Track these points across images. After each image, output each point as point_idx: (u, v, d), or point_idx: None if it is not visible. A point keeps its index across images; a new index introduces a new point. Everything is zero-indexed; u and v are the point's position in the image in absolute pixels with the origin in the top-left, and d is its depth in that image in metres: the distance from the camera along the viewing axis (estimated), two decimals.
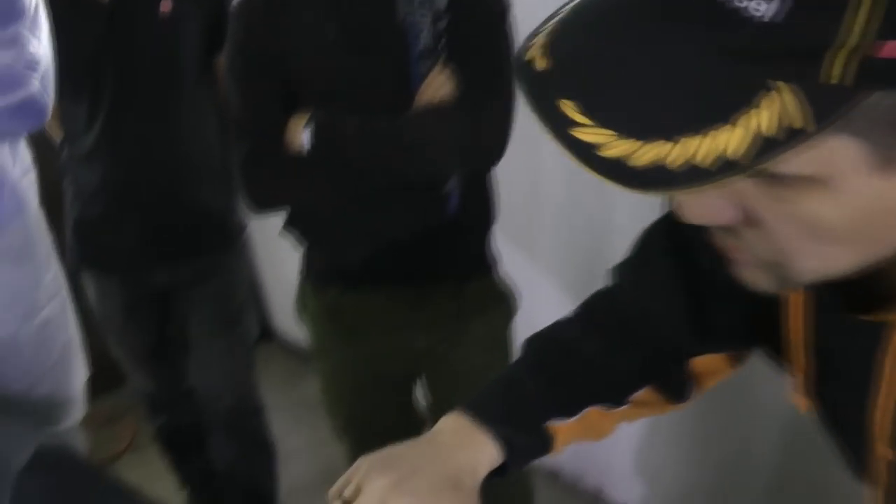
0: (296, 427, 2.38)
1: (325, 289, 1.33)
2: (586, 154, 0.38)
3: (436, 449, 0.63)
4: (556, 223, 1.78)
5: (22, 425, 1.09)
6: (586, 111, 0.38)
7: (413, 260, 1.26)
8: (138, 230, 1.59)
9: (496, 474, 0.65)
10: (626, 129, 0.37)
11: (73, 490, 0.90)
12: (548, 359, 0.71)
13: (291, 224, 1.30)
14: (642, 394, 0.72)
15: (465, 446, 0.63)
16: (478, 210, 1.29)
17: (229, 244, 1.70)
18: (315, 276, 1.35)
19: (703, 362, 0.73)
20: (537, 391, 0.68)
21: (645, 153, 0.37)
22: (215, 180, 1.62)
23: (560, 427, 0.68)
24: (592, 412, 0.69)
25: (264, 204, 1.22)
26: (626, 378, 0.71)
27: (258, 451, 1.88)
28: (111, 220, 1.58)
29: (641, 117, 0.37)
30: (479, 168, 1.26)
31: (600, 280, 0.76)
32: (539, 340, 0.73)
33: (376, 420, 1.42)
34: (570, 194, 1.71)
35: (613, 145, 0.37)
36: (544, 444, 0.68)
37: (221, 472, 1.90)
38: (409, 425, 1.40)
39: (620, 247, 0.74)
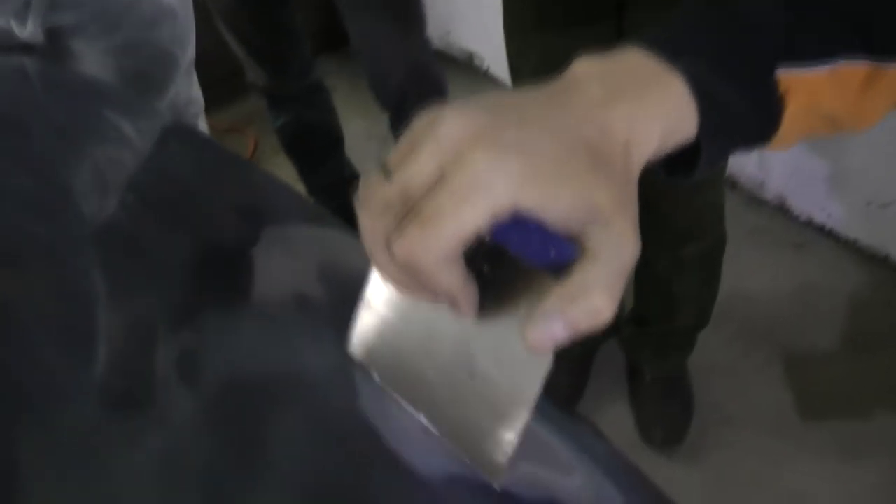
0: None
1: None
2: None
3: (568, 98, 0.33)
4: None
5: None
6: None
7: None
8: None
9: (677, 169, 0.38)
10: None
11: (217, 164, 0.69)
12: None
13: None
14: None
15: (627, 94, 0.33)
16: None
17: None
18: None
19: None
20: (766, 14, 0.37)
21: None
22: None
23: (797, 79, 0.36)
24: (854, 65, 0.38)
25: None
26: None
27: None
28: None
29: None
30: None
31: None
32: None
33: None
34: None
35: None
36: (768, 106, 0.37)
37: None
38: None
39: None
